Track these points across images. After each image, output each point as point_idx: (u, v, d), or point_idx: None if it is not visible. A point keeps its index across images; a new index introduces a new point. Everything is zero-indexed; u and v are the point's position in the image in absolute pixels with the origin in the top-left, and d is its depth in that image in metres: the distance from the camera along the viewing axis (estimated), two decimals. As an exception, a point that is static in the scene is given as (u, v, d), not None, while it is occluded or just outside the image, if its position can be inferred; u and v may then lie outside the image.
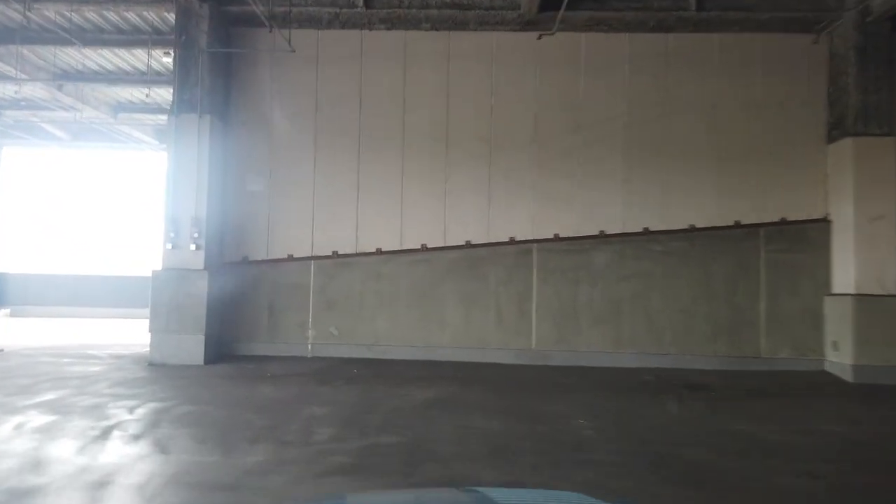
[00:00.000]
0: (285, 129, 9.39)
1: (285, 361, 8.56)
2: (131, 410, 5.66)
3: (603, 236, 9.02)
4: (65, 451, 4.40)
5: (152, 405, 5.89)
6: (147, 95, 12.92)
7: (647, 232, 8.99)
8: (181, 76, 8.85)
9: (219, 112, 9.02)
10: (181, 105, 8.78)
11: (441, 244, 9.14)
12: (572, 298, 8.95)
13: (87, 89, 13.38)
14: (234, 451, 4.49)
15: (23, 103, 14.41)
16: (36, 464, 4.13)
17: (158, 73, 12.40)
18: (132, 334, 11.31)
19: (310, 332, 9.09)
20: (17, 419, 5.22)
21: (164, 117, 15.06)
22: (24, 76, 11.34)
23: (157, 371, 7.81)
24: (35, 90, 13.41)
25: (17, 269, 15.97)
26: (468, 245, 9.12)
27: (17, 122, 15.14)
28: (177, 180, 8.67)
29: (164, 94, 13.70)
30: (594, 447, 4.79)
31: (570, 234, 9.05)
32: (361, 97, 9.38)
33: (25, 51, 11.29)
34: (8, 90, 13.52)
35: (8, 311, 15.01)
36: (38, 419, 5.24)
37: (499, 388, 7.22)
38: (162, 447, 4.54)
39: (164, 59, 11.52)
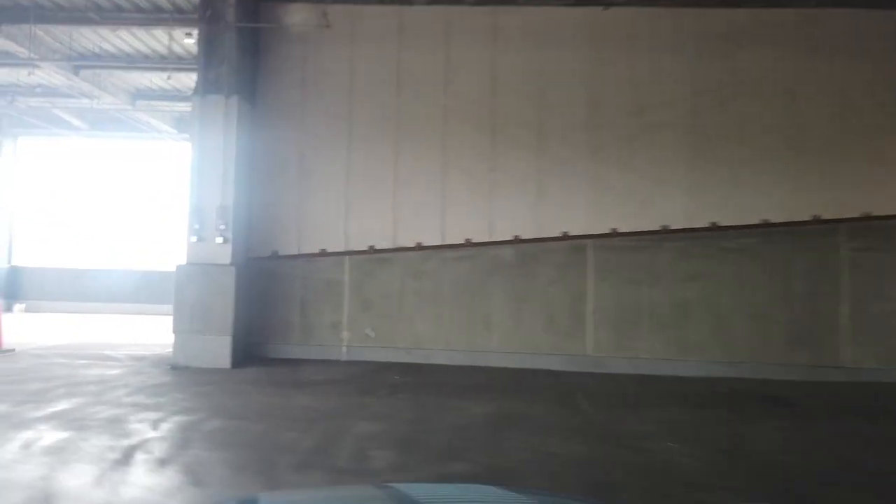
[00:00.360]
0: (317, 112, 8.64)
1: (319, 365, 7.84)
2: (155, 425, 4.94)
3: (666, 231, 8.19)
4: (80, 481, 3.68)
5: (179, 419, 5.18)
6: (168, 79, 12.20)
7: (714, 227, 8.15)
8: (206, 54, 8.13)
9: (246, 93, 8.29)
10: (206, 85, 8.06)
11: (487, 239, 8.36)
12: (632, 300, 8.14)
13: (104, 75, 12.71)
14: (279, 483, 3.76)
15: (38, 90, 13.75)
16: (45, 499, 3.41)
17: (180, 58, 11.72)
18: (151, 332, 10.65)
19: (344, 333, 8.36)
20: (25, 436, 4.52)
21: (184, 105, 14.38)
22: (35, 56, 10.65)
23: (181, 375, 7.11)
24: (51, 75, 12.76)
25: (33, 263, 15.40)
26: (516, 240, 8.33)
27: (32, 108, 14.49)
28: (201, 167, 7.96)
29: (185, 80, 13.02)
30: (708, 482, 4.00)
31: (629, 229, 8.24)
32: (399, 79, 8.62)
33: (40, 31, 10.62)
34: (22, 75, 12.87)
35: (23, 306, 14.43)
36: (50, 436, 4.54)
37: (561, 400, 6.44)
38: (194, 476, 3.81)
39: (186, 41, 10.82)
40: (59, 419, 5.02)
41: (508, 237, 8.34)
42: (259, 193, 8.48)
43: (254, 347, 8.15)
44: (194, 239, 7.85)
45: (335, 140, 8.61)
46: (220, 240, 7.83)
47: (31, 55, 10.57)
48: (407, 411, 5.75)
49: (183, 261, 7.89)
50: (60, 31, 10.75)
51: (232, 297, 7.71)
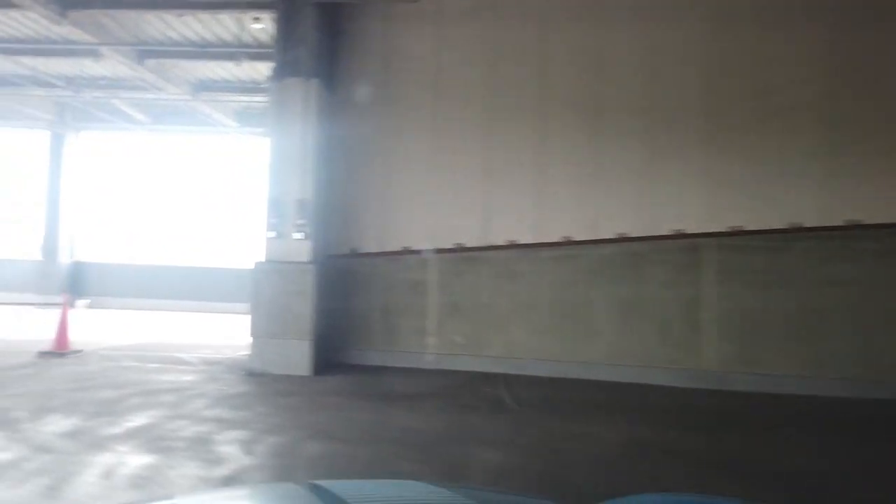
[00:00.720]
0: (400, 97, 7.93)
1: (405, 374, 7.11)
2: (247, 448, 4.27)
3: (796, 230, 7.17)
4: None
5: (272, 440, 4.49)
6: (238, 66, 11.61)
7: (855, 226, 7.09)
8: (284, 33, 7.50)
9: (325, 77, 7.62)
10: (284, 68, 7.43)
11: (589, 237, 7.49)
12: (758, 308, 7.14)
13: (168, 65, 12.30)
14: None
15: (101, 81, 13.47)
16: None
17: (245, 45, 11.19)
18: (219, 332, 10.16)
19: (430, 339, 7.62)
20: (104, 460, 3.89)
21: (246, 98, 14.00)
22: (100, 42, 10.25)
23: (260, 384, 6.48)
24: (115, 66, 12.40)
25: (96, 258, 15.19)
26: (623, 238, 7.44)
27: (95, 100, 14.21)
28: (279, 156, 7.33)
29: (250, 70, 12.53)
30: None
31: (753, 227, 7.25)
32: (490, 60, 7.83)
33: (106, 18, 10.23)
34: (86, 65, 12.56)
35: (87, 302, 14.20)
36: (132, 461, 3.90)
37: (698, 424, 5.54)
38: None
39: (254, 27, 10.26)
40: (139, 438, 4.39)
41: (613, 235, 7.46)
42: (337, 186, 7.80)
43: (332, 353, 7.48)
44: (272, 234, 7.22)
45: (419, 128, 7.88)
46: (299, 236, 7.19)
47: (98, 42, 10.20)
48: (526, 436, 4.95)
49: (259, 258, 7.28)
50: (127, 17, 10.32)
51: (312, 298, 7.05)
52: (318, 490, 1.43)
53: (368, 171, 7.89)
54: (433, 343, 7.60)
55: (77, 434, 4.41)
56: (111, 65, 12.33)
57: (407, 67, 7.96)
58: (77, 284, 14.61)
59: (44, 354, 7.29)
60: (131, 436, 4.44)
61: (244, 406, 5.51)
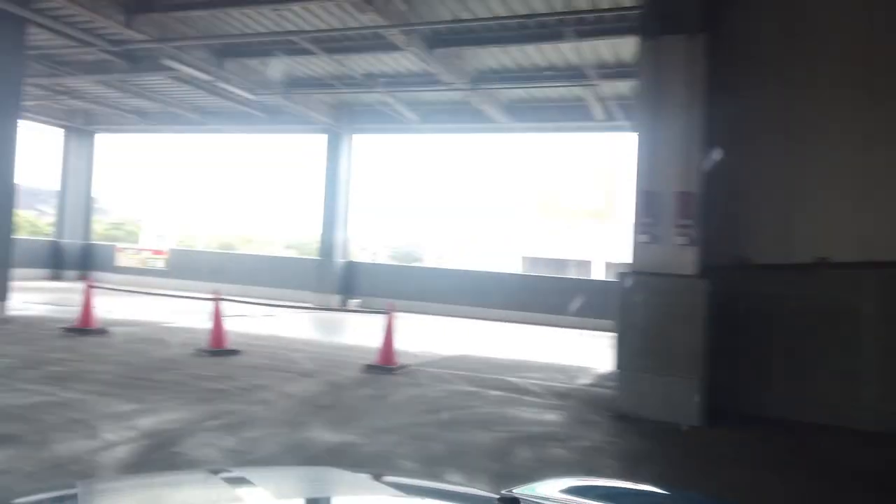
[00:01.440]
0: (809, 53, 5.82)
1: (841, 437, 5.02)
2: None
3: None
4: None
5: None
6: (566, 45, 10.26)
7: None
8: (658, -21, 5.85)
9: (710, 32, 5.80)
10: (658, 22, 5.76)
11: None
12: None
13: (452, 54, 11.48)
14: None
15: (382, 79, 13.17)
16: None
17: (542, 24, 9.86)
18: (520, 346, 8.94)
19: (866, 389, 5.40)
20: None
21: (520, 89, 12.89)
22: (394, 27, 9.58)
23: (651, 436, 4.87)
24: (399, 60, 11.98)
25: (367, 258, 15.23)
26: None
27: (376, 97, 14.03)
28: (655, 137, 5.67)
29: (534, 54, 11.33)
30: None
31: None
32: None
33: (404, 5, 9.55)
34: (372, 62, 12.26)
35: (359, 301, 14.15)
36: None
37: None
38: None
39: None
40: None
41: None
42: (715, 173, 5.94)
43: (714, 395, 5.62)
44: (644, 238, 5.59)
45: (841, 92, 5.70)
46: (681, 241, 5.47)
47: (397, 25, 9.57)
48: None
49: (626, 268, 5.71)
50: (422, 1, 9.58)
51: (701, 323, 5.29)
52: (230, 476, 1.42)
53: (762, 153, 5.91)
54: (870, 395, 5.36)
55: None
56: (395, 59, 11.89)
57: (815, 12, 5.84)
58: (349, 284, 14.66)
59: (371, 369, 6.48)
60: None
61: (678, 480, 3.89)
